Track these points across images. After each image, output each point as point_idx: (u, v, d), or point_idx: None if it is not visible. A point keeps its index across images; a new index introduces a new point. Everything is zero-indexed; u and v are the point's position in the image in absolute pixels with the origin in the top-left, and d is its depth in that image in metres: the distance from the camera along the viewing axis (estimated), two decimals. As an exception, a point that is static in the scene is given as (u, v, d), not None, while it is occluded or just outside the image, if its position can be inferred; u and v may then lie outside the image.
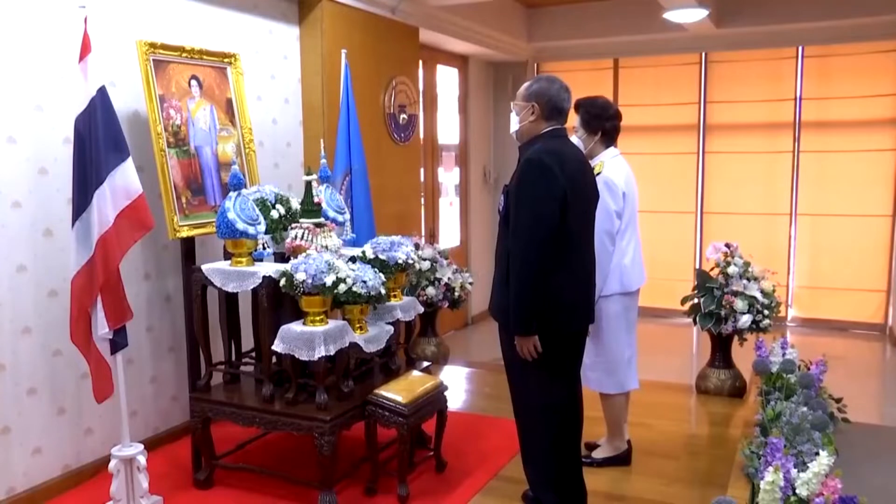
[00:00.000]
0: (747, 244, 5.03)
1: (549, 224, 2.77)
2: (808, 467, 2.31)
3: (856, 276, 7.31)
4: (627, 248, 3.59)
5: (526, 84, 3.01)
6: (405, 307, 3.81)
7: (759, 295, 4.58)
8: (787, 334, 6.91)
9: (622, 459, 3.76)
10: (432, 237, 7.01)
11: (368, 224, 4.52)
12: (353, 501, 3.41)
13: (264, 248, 3.59)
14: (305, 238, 3.50)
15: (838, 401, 3.88)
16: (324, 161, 4.02)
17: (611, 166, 3.54)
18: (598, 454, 3.78)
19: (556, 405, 3.01)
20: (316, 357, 3.19)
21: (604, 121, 3.57)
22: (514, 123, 3.03)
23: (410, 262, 3.66)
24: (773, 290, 4.68)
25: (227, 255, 3.59)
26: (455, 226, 7.69)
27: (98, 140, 3.03)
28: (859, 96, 7.12)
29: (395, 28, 5.64)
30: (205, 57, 3.89)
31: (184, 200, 3.63)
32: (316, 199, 3.65)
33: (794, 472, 2.33)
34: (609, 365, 3.64)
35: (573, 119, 3.61)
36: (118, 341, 3.16)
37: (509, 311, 2.88)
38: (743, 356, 4.70)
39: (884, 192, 7.14)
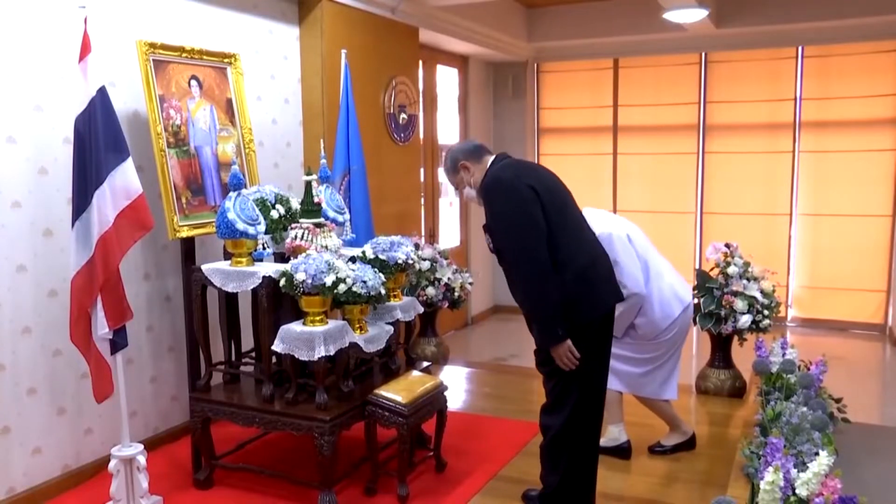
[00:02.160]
0: (747, 244, 5.03)
1: (533, 231, 2.78)
2: (807, 467, 2.30)
3: (856, 276, 7.31)
4: (662, 270, 3.77)
5: (444, 172, 3.17)
6: (405, 307, 3.81)
7: (758, 295, 4.58)
8: (786, 334, 6.92)
9: (689, 444, 3.96)
10: (432, 237, 7.01)
11: (366, 225, 4.52)
12: (353, 501, 3.41)
13: (264, 249, 3.59)
14: (305, 238, 3.50)
15: (838, 401, 3.88)
16: (324, 161, 4.03)
17: (598, 224, 3.54)
18: (666, 441, 3.95)
19: (589, 403, 2.98)
20: (316, 357, 3.19)
21: None
22: (471, 193, 3.09)
23: (410, 262, 3.66)
24: (773, 291, 4.68)
25: (227, 255, 3.59)
26: (455, 226, 7.70)
27: (98, 140, 3.03)
28: (859, 96, 7.12)
29: (395, 28, 5.64)
30: (205, 57, 3.89)
31: (184, 200, 3.63)
32: (316, 200, 3.65)
33: (793, 472, 2.33)
34: (667, 374, 3.85)
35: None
36: (118, 341, 3.16)
37: (535, 330, 2.89)
38: (743, 356, 4.70)
39: (884, 192, 7.14)
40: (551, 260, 2.78)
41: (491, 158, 3.03)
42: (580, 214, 3.08)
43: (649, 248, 3.77)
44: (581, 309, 2.85)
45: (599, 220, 3.67)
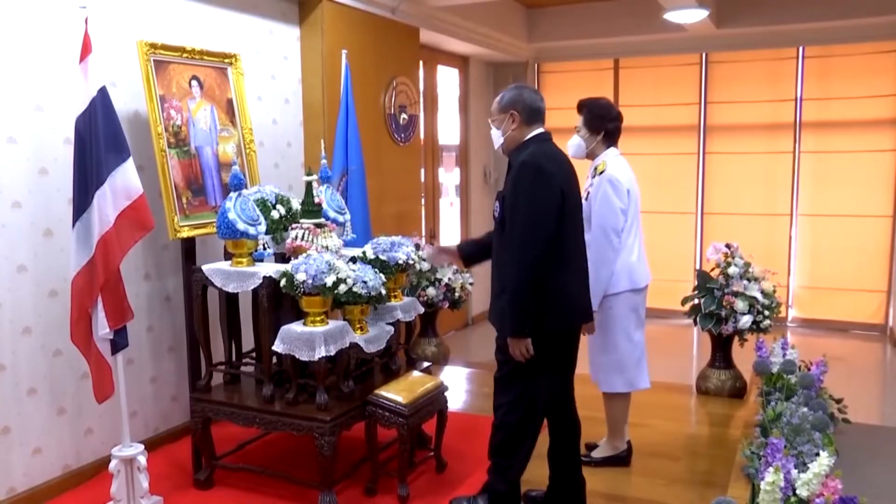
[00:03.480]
0: (747, 245, 5.03)
1: (546, 227, 2.81)
2: (808, 468, 2.31)
3: (856, 277, 7.31)
4: (633, 246, 3.62)
5: (497, 98, 3.05)
6: (405, 307, 3.81)
7: (759, 295, 4.58)
8: (787, 335, 6.92)
9: (621, 459, 3.76)
10: (433, 237, 7.00)
11: (364, 226, 4.52)
12: (353, 501, 3.41)
13: (265, 249, 3.59)
14: (306, 238, 3.50)
15: (838, 401, 3.89)
16: (324, 161, 4.03)
17: (614, 165, 3.59)
18: (597, 454, 3.79)
19: (548, 405, 3.03)
20: (316, 357, 3.19)
21: (606, 122, 3.62)
22: (497, 137, 3.06)
23: (411, 262, 3.67)
24: (774, 291, 4.68)
25: (228, 256, 3.59)
26: (455, 226, 7.69)
27: (98, 140, 3.03)
28: (859, 96, 7.12)
29: (396, 28, 5.64)
30: (205, 57, 3.89)
31: (184, 201, 3.63)
32: (316, 200, 3.65)
33: (794, 472, 2.34)
34: (619, 364, 3.65)
35: (575, 119, 3.67)
36: (118, 341, 3.16)
37: (504, 313, 2.90)
38: (743, 357, 4.70)
39: (884, 192, 7.14)
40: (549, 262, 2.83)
41: (537, 131, 2.99)
42: (583, 231, 3.11)
43: (636, 222, 3.66)
44: (553, 318, 2.91)
45: (616, 163, 3.59)
